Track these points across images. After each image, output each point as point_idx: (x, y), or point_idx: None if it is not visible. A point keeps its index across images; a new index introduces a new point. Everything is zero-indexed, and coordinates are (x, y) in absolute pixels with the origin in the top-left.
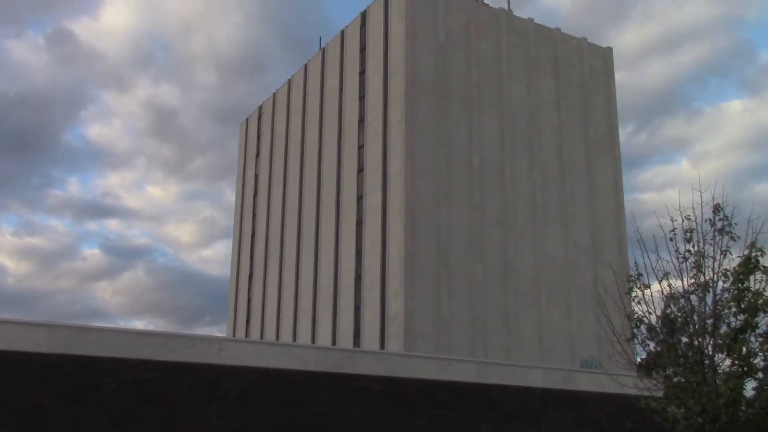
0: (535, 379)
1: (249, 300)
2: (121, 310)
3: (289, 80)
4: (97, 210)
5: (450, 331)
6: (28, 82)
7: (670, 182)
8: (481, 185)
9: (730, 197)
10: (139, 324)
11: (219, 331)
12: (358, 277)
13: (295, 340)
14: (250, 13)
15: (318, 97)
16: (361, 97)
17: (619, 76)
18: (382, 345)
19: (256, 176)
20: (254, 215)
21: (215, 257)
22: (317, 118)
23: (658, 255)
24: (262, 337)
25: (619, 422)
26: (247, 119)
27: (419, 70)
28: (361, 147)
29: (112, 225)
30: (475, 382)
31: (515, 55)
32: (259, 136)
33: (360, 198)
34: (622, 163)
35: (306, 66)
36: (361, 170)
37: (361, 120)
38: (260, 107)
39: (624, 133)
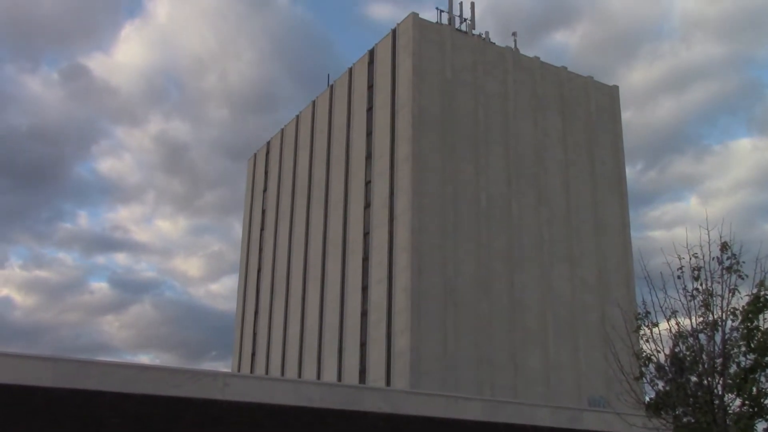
0: (543, 418)
1: (254, 335)
2: (127, 343)
3: (297, 116)
4: (106, 243)
5: (456, 368)
6: (42, 116)
7: (679, 220)
8: (488, 222)
9: (739, 236)
10: (144, 358)
11: (225, 366)
12: (364, 314)
13: (300, 376)
14: (263, 51)
15: (326, 132)
16: (369, 134)
17: (627, 115)
18: (388, 382)
19: (263, 211)
20: (261, 250)
21: (223, 292)
22: (325, 154)
23: (665, 293)
24: (267, 372)
25: None
26: (255, 154)
27: (426, 106)
28: (368, 183)
29: (120, 259)
30: (482, 421)
31: (522, 93)
32: (266, 172)
33: (366, 234)
34: (630, 200)
35: (314, 102)
36: (368, 206)
37: (369, 156)
38: (268, 143)
39: (633, 171)
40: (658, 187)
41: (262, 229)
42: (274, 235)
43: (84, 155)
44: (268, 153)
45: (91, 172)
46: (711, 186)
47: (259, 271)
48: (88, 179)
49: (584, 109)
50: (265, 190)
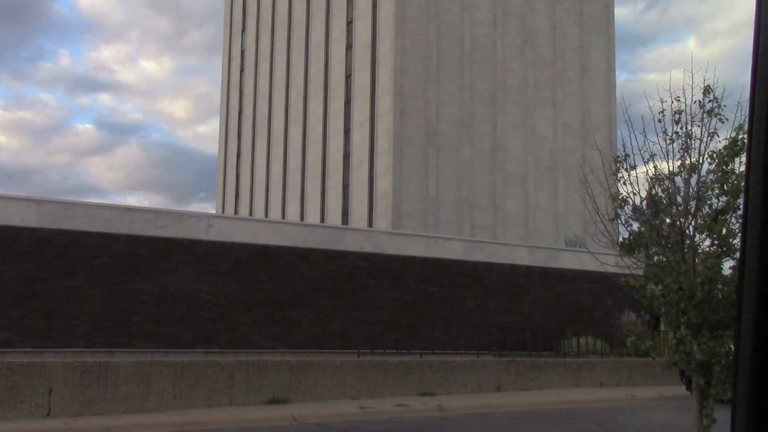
0: (520, 257)
1: (237, 177)
2: (115, 185)
3: None
4: (90, 84)
5: (437, 210)
6: None
7: (675, 62)
8: (472, 64)
9: (732, 78)
10: (133, 200)
11: (213, 208)
12: (347, 156)
13: (283, 217)
14: None
15: None
16: None
17: None
18: (370, 223)
19: (242, 52)
20: (241, 92)
21: (211, 134)
22: None
23: (645, 136)
24: (251, 214)
25: (599, 299)
26: None
27: None
28: (349, 23)
29: (105, 100)
30: (461, 260)
31: None
32: (244, 10)
33: (348, 76)
34: (628, 42)
35: None
36: (349, 47)
37: None
38: None
39: (633, 11)
40: (658, 29)
41: (241, 71)
42: (254, 76)
43: None
44: None
45: (71, 9)
46: (711, 27)
47: (240, 113)
48: (68, 16)
49: None
50: (243, 30)
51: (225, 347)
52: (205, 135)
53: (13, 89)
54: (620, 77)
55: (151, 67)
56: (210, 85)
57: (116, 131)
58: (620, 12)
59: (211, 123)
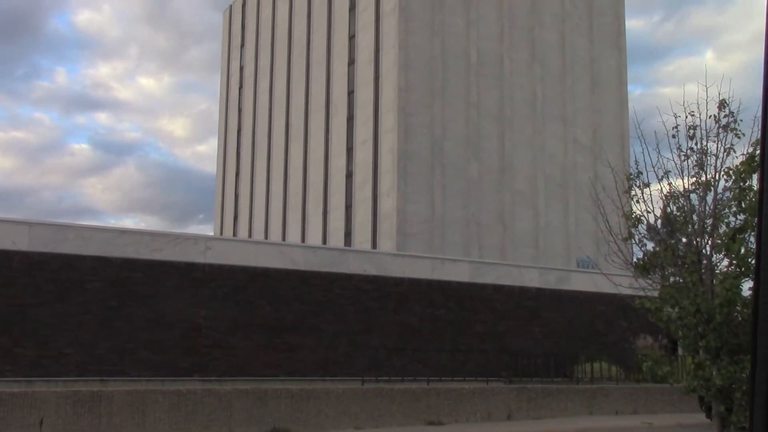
0: (531, 279)
1: (236, 198)
2: (111, 207)
3: None
4: (86, 102)
5: (444, 230)
6: None
7: (692, 76)
8: (478, 79)
9: (752, 92)
10: (129, 222)
11: (212, 230)
12: (349, 175)
13: (284, 239)
14: None
15: None
16: None
17: None
18: (374, 245)
19: (241, 68)
20: (240, 110)
21: (210, 153)
22: (305, 5)
23: (659, 153)
24: (250, 236)
25: (613, 322)
26: (231, 6)
27: None
28: (351, 38)
29: (102, 118)
30: (469, 282)
31: None
32: (243, 25)
33: (351, 92)
34: (643, 55)
35: None
36: (352, 63)
37: (352, 8)
38: None
39: (649, 22)
40: (674, 41)
41: (240, 87)
42: (254, 93)
43: (60, 6)
44: (244, 4)
45: (68, 26)
46: (728, 39)
47: (239, 131)
48: (65, 33)
49: None
50: (242, 45)
51: (223, 375)
52: (204, 154)
53: (7, 109)
54: (635, 92)
55: (150, 84)
56: (210, 103)
57: (113, 151)
58: (634, 24)
59: (211, 142)
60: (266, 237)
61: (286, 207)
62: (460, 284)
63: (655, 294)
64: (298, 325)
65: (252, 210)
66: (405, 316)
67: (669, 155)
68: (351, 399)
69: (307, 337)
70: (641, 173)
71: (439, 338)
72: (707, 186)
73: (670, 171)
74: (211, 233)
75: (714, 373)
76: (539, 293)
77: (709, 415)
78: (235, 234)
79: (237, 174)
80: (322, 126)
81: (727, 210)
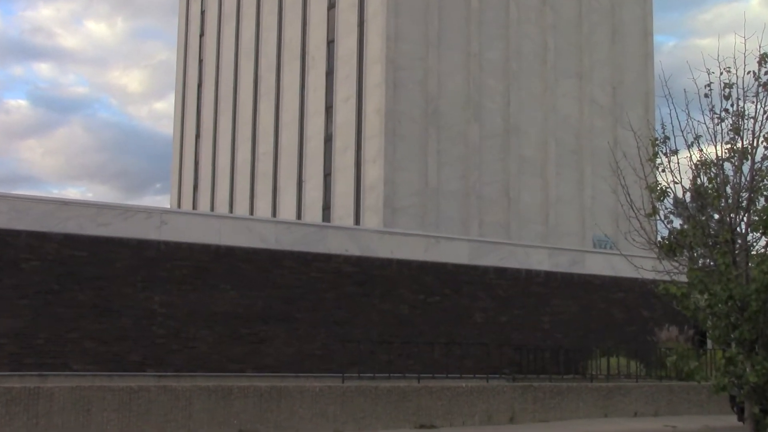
0: (539, 261)
1: (196, 164)
2: (52, 174)
3: None
4: (24, 50)
5: (438, 204)
6: None
7: (734, 25)
8: (480, 27)
9: None
10: (74, 192)
11: (169, 202)
12: (329, 139)
13: (252, 213)
14: None
15: None
16: None
17: None
18: (357, 220)
19: (203, 12)
20: (201, 61)
21: (170, 111)
22: None
23: (689, 115)
24: (212, 209)
25: (633, 311)
26: None
27: None
28: None
29: (43, 70)
30: (467, 264)
31: None
32: None
33: (330, 42)
34: (676, 0)
35: None
36: (332, 7)
37: None
38: None
39: None
40: None
41: (201, 35)
42: (217, 41)
43: None
44: None
45: None
46: None
47: (199, 86)
48: None
49: None
50: None
51: (181, 370)
52: (163, 112)
53: None
54: (667, 43)
55: (100, 30)
56: (171, 53)
57: (56, 108)
58: None
59: (171, 98)
60: (231, 210)
61: (255, 175)
62: (457, 267)
63: (682, 278)
64: (268, 314)
65: (215, 179)
66: (393, 303)
67: (700, 117)
68: (329, 398)
69: (278, 328)
70: (668, 138)
71: (433, 329)
72: (743, 154)
73: (701, 136)
74: (168, 205)
75: (747, 369)
76: (549, 277)
77: (741, 418)
78: (195, 207)
79: (197, 136)
80: (297, 81)
81: (766, 182)
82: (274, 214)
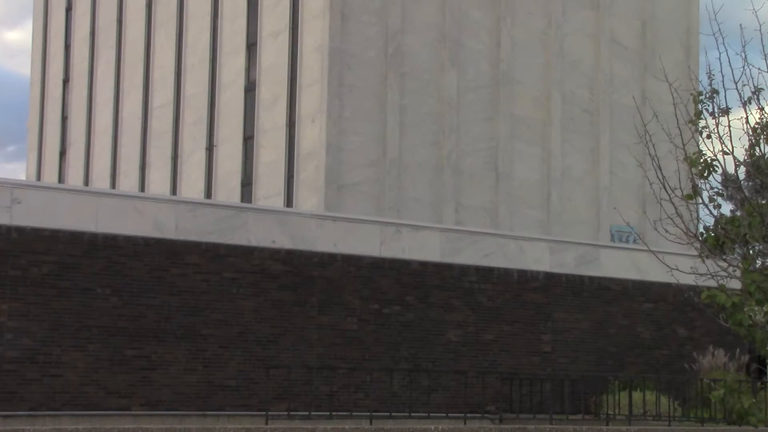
0: (537, 259)
1: (64, 121)
2: None
3: None
4: None
5: (401, 180)
6: None
7: None
8: None
9: None
10: None
11: (24, 172)
12: (251, 89)
13: (142, 189)
14: None
15: None
16: None
17: None
18: (289, 201)
19: None
20: None
21: (27, 44)
22: None
23: (745, 61)
24: (87, 183)
25: (665, 328)
26: None
27: None
28: None
29: None
30: (440, 262)
31: None
32: None
33: None
34: None
35: None
36: None
37: None
38: None
39: None
40: None
41: None
42: None
43: None
44: None
45: None
46: None
47: (69, 9)
48: None
49: None
50: None
51: (38, 408)
52: (17, 46)
53: None
54: None
55: None
56: None
57: None
58: None
59: (29, 26)
60: (114, 186)
61: (147, 138)
62: (425, 265)
63: (734, 284)
64: (164, 328)
65: (90, 141)
66: (337, 315)
67: (762, 64)
68: None
69: (178, 348)
70: (716, 92)
71: (391, 350)
72: None
73: (762, 89)
74: (23, 177)
75: None
76: (550, 281)
77: None
78: (62, 180)
79: (66, 81)
80: (208, 7)
81: None
82: (173, 191)
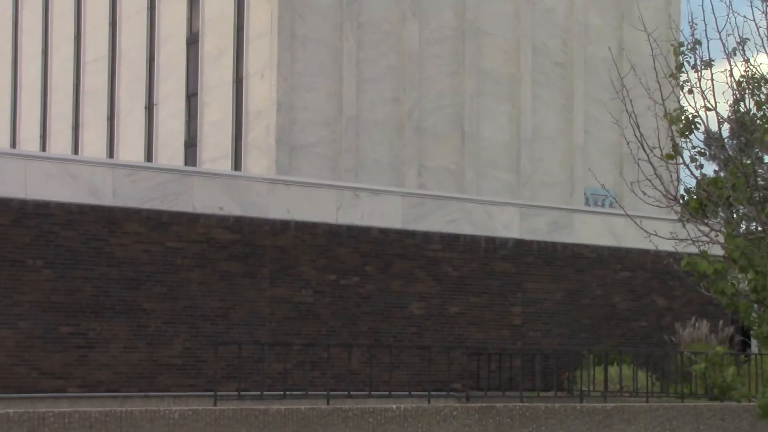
0: (506, 225)
1: None
2: None
3: None
4: None
5: (359, 140)
6: None
7: None
8: None
9: None
10: None
11: None
12: (194, 40)
13: (76, 152)
14: None
15: None
16: None
17: None
18: (237, 163)
19: None
20: None
21: None
22: None
23: (730, 8)
24: (13, 145)
25: (643, 297)
26: None
27: None
28: None
29: None
30: (401, 229)
31: None
32: None
33: None
34: None
35: None
36: None
37: None
38: None
39: None
40: None
41: None
42: None
43: None
44: None
45: None
46: None
47: None
48: None
49: None
50: None
51: None
52: None
53: None
54: None
55: None
56: None
57: None
58: None
59: None
60: (43, 148)
61: (79, 95)
62: (385, 232)
63: (716, 250)
64: (102, 303)
65: (17, 98)
66: (290, 286)
67: (748, 12)
68: (195, 428)
69: (117, 324)
70: (699, 43)
71: (349, 325)
72: None
73: (748, 39)
74: None
75: None
76: (521, 248)
77: None
78: None
79: None
80: None
81: None
82: (110, 154)
